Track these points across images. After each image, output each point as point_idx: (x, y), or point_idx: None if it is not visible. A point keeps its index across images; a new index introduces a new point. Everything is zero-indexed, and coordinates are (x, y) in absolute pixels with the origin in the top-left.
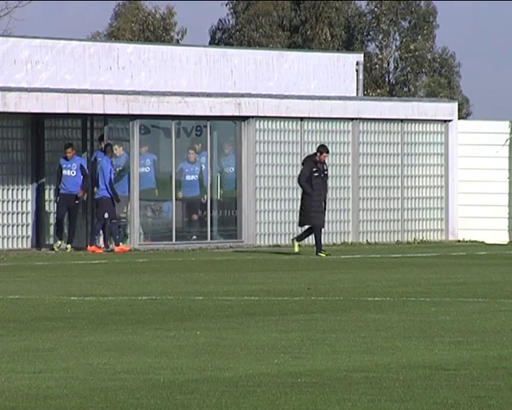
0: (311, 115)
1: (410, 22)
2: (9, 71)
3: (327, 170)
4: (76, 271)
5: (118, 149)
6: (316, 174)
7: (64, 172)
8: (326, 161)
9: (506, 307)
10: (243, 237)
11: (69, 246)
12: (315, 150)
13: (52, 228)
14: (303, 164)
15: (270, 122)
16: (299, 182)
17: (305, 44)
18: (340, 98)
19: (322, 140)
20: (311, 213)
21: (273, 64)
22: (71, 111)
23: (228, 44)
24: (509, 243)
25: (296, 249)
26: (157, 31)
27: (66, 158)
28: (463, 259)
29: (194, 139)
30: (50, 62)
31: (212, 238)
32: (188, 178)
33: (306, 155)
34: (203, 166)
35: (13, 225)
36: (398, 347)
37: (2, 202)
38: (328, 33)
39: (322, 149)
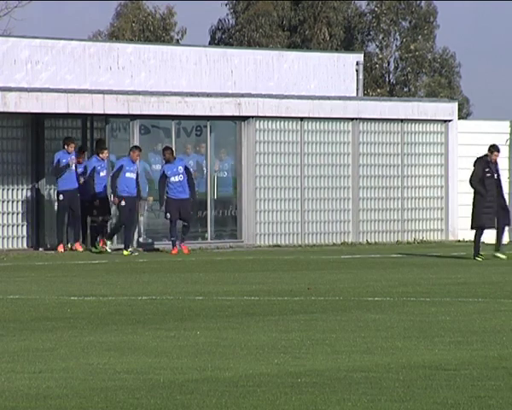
0: (311, 115)
1: (410, 22)
2: (9, 71)
3: (498, 172)
4: (76, 271)
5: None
6: (488, 175)
7: (101, 173)
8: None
9: (506, 307)
10: (243, 237)
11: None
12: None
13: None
14: (474, 165)
15: (270, 122)
16: (471, 183)
17: (304, 44)
18: (340, 98)
19: (322, 140)
20: (482, 215)
21: (273, 64)
22: (71, 111)
23: (228, 44)
24: (509, 242)
25: (503, 257)
26: (157, 31)
27: (101, 158)
28: (463, 259)
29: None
30: (50, 62)
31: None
32: (128, 175)
33: (477, 156)
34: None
35: (13, 225)
36: (398, 347)
37: (2, 202)
38: (326, 33)
39: (493, 148)
